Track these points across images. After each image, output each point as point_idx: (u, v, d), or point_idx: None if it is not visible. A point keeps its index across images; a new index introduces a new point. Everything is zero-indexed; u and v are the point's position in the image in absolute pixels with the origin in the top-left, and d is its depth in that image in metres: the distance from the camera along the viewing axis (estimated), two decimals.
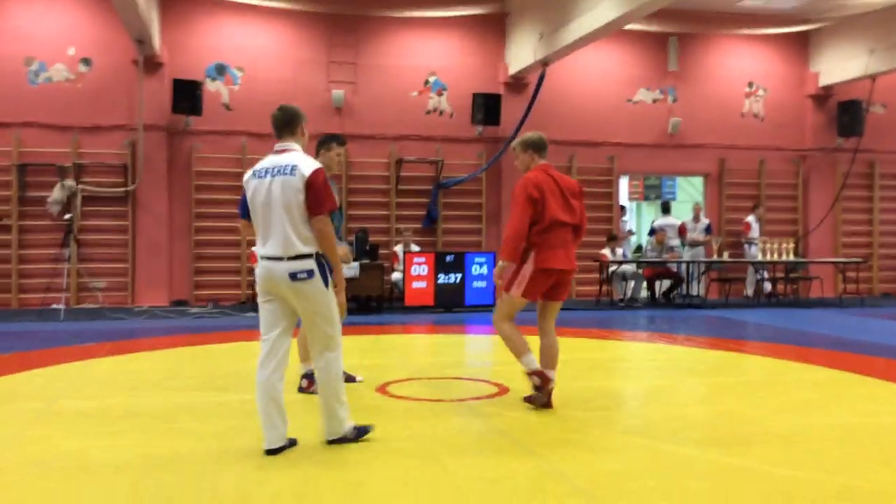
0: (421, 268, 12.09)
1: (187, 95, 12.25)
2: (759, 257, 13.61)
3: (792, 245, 13.75)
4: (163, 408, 5.34)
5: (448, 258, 12.28)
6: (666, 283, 13.69)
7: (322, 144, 5.92)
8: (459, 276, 12.23)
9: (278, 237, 4.11)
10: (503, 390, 5.92)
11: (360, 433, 4.41)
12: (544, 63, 12.81)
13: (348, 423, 4.36)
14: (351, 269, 11.37)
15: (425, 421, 4.98)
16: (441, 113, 13.94)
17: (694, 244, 14.21)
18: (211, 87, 12.91)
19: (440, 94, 13.92)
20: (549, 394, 5.30)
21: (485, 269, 12.36)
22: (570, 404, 5.42)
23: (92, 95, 12.46)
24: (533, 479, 3.79)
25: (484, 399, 5.64)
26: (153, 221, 12.62)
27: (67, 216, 11.24)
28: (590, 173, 14.49)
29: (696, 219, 14.43)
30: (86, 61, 12.47)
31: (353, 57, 13.52)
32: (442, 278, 12.16)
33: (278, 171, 4.15)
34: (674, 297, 13.58)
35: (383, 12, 13.55)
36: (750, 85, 15.31)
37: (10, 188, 12.16)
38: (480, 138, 14.00)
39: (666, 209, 14.68)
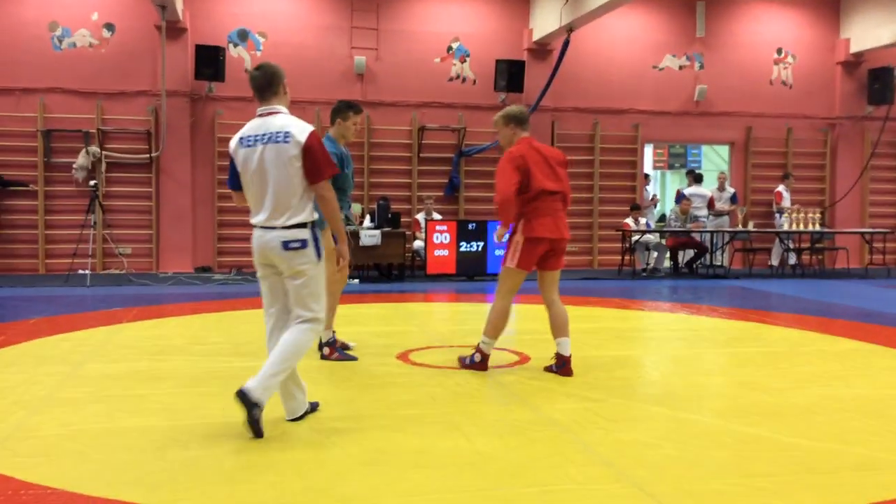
0: (443, 236, 12.09)
1: (210, 61, 12.24)
2: (786, 227, 13.46)
3: (818, 215, 13.58)
4: (188, 373, 5.42)
5: (470, 226, 12.26)
6: (689, 253, 13.60)
7: (338, 112, 5.90)
8: (481, 244, 12.22)
9: (273, 207, 3.92)
10: (524, 359, 5.94)
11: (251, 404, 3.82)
12: (569, 29, 12.63)
13: (265, 394, 3.84)
14: (373, 237, 11.40)
15: (446, 388, 5.01)
16: (464, 80, 13.83)
17: (718, 214, 14.07)
18: (233, 52, 12.89)
19: (463, 61, 13.80)
20: (568, 361, 5.33)
21: (506, 238, 12.30)
22: (591, 373, 5.42)
23: (115, 61, 12.49)
24: (554, 447, 3.82)
25: (505, 367, 5.65)
26: (176, 188, 12.70)
27: (92, 182, 11.34)
28: (614, 141, 14.35)
29: (721, 188, 14.28)
30: (109, 27, 12.49)
31: (375, 22, 13.42)
32: (464, 246, 12.15)
33: (269, 137, 3.91)
34: (697, 267, 13.49)
35: None
36: (779, 51, 15.02)
37: (36, 154, 12.28)
38: (503, 105, 13.86)
39: (698, 179, 14.50)
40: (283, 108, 4.03)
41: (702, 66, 14.70)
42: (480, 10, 13.88)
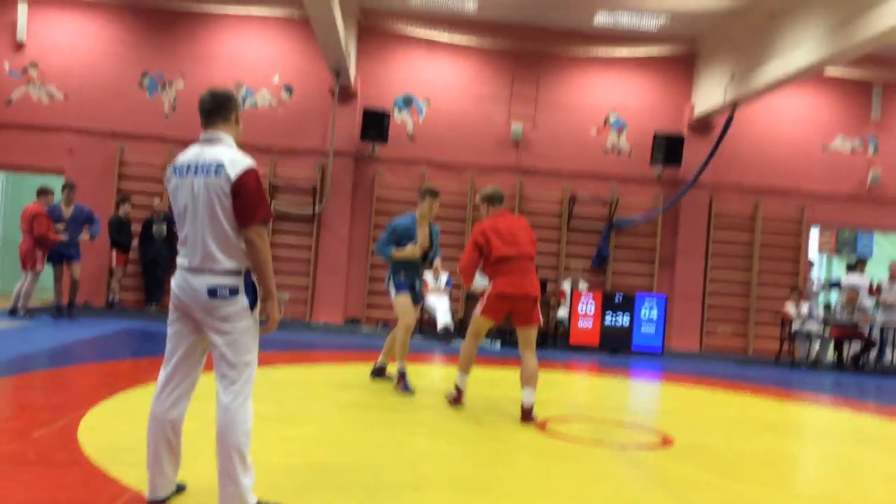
0: (588, 307, 11.92)
1: (375, 124, 12.87)
2: None
3: None
4: (330, 419, 5.59)
5: (617, 299, 12.03)
6: (856, 347, 12.66)
7: (421, 195, 6.96)
8: (627, 317, 11.94)
9: (199, 247, 3.38)
10: (667, 441, 5.70)
11: None
12: (734, 105, 12.35)
13: (251, 497, 3.38)
14: None
15: (583, 464, 4.89)
16: (619, 152, 13.76)
17: (890, 306, 13.05)
18: (397, 117, 13.49)
19: (620, 133, 13.76)
20: (527, 411, 5.93)
21: (654, 314, 11.99)
22: (740, 464, 5.13)
23: (290, 121, 13.38)
24: None
25: (646, 450, 5.45)
26: (335, 242, 13.30)
27: None
28: (776, 222, 13.75)
29: (894, 278, 13.26)
30: (288, 89, 13.43)
31: (534, 92, 13.67)
32: (609, 319, 11.92)
33: (202, 168, 3.39)
34: (864, 362, 12.52)
35: (568, 50, 13.63)
36: None
37: None
38: (659, 179, 13.68)
39: (853, 267, 13.59)
40: (227, 138, 3.51)
41: (876, 150, 13.90)
42: (641, 84, 13.85)
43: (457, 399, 6.38)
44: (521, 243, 6.15)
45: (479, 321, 6.21)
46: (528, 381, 6.00)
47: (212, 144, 3.46)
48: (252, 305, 3.42)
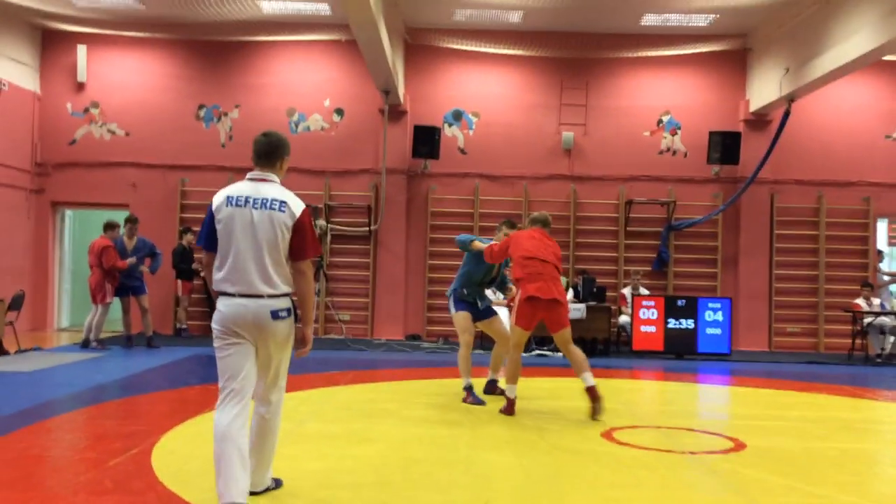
0: (650, 312, 11.73)
1: (426, 141, 12.96)
2: None
3: None
4: (397, 436, 5.62)
5: (679, 303, 11.81)
6: None
7: (498, 227, 7.40)
8: (691, 321, 11.72)
9: (259, 273, 3.75)
10: (739, 446, 5.56)
11: (277, 484, 4.16)
12: (790, 98, 12.07)
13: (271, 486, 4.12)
14: (577, 310, 11.30)
15: (654, 472, 4.81)
16: (674, 153, 13.57)
17: None
18: (448, 132, 13.55)
19: (674, 134, 13.57)
20: (592, 389, 6.27)
21: (720, 316, 11.74)
22: (816, 466, 4.98)
23: (342, 142, 13.57)
24: None
25: (718, 454, 5.33)
26: (392, 259, 13.40)
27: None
28: (841, 215, 13.36)
29: None
30: (339, 111, 13.63)
31: (583, 99, 13.59)
32: (672, 323, 11.71)
33: (264, 203, 3.78)
34: None
35: (616, 53, 13.51)
36: None
37: None
38: (717, 178, 13.44)
39: None
40: (277, 179, 3.92)
41: None
42: (693, 83, 13.64)
43: (508, 409, 6.47)
44: (548, 255, 6.52)
45: (517, 331, 6.51)
46: (580, 367, 6.34)
47: (266, 183, 3.87)
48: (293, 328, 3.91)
